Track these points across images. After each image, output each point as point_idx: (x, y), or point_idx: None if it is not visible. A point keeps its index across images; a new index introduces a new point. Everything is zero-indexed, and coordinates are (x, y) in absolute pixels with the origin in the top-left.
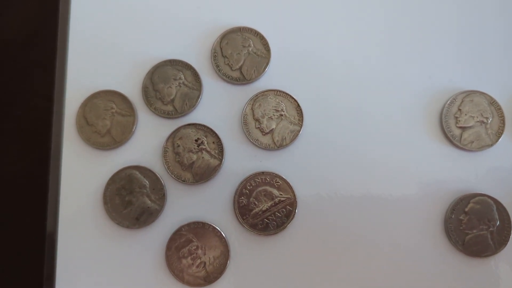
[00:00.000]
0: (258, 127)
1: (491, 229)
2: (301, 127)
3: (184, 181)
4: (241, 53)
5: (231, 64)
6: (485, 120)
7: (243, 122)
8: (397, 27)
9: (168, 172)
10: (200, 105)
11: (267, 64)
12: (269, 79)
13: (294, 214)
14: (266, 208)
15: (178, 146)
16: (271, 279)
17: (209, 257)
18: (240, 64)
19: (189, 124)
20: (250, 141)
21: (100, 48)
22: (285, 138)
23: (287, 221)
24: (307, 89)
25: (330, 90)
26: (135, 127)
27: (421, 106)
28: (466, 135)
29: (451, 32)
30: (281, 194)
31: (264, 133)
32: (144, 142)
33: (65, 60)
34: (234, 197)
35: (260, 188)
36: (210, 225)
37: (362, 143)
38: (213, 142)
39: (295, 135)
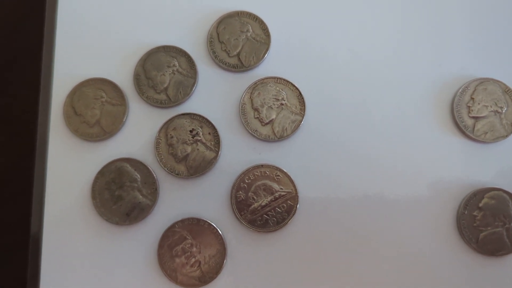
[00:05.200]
0: (257, 117)
1: (507, 225)
2: (303, 117)
3: (178, 174)
4: (239, 38)
5: (229, 50)
6: (499, 110)
7: (241, 112)
8: (405, 10)
9: (160, 165)
10: (195, 93)
11: (267, 50)
12: (269, 66)
13: (295, 210)
14: (266, 203)
15: (172, 137)
16: (271, 279)
17: (205, 256)
18: (238, 50)
19: (183, 114)
20: (249, 132)
21: (89, 33)
22: (286, 128)
23: (288, 217)
24: (309, 76)
25: (334, 78)
26: (126, 117)
27: (431, 94)
28: (479, 125)
29: (462, 16)
30: (282, 189)
31: (263, 124)
32: (136, 133)
33: (52, 47)
34: (231, 191)
35: (259, 182)
36: (206, 221)
37: (368, 134)
38: (209, 133)
39: (296, 126)
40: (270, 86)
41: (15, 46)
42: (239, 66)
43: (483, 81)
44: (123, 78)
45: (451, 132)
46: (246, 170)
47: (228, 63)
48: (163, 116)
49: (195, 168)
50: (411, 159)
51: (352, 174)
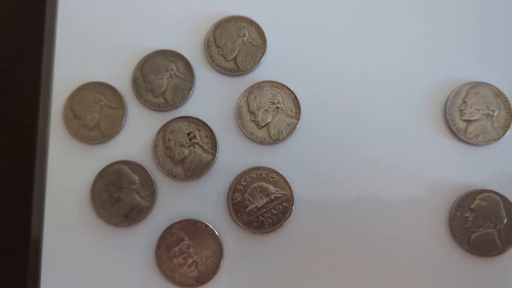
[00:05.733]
0: (253, 120)
1: (498, 227)
2: (298, 120)
3: (175, 176)
4: (235, 43)
5: (225, 55)
6: (491, 113)
7: (238, 115)
8: (399, 14)
9: (158, 167)
10: (193, 97)
11: (263, 54)
12: (265, 70)
13: (290, 212)
14: (262, 205)
15: (169, 140)
16: (267, 280)
17: (202, 257)
18: (234, 55)
19: (180, 117)
20: (245, 134)
21: (89, 38)
22: (282, 131)
23: (284, 219)
24: (304, 80)
25: (329, 82)
26: (125, 120)
27: (424, 97)
28: (471, 128)
29: (456, 20)
30: (277, 190)
31: (259, 127)
32: (134, 136)
33: (52, 51)
34: (228, 193)
35: (255, 184)
36: (203, 222)
37: (362, 137)
38: (206, 136)
39: (292, 129)
40: (266, 89)
41: (15, 49)
42: (235, 70)
43: (475, 85)
44: (122, 82)
45: (444, 135)
46: (243, 172)
47: (225, 67)
48: (161, 119)
49: (192, 170)
50: (404, 161)
51: (347, 176)
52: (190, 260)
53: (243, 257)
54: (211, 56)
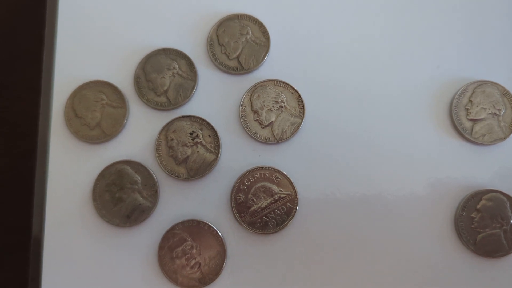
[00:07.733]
0: (257, 120)
1: (504, 227)
2: (302, 120)
3: (178, 176)
4: (238, 41)
5: (228, 53)
6: (497, 112)
7: (241, 114)
8: (404, 13)
9: (161, 167)
10: (195, 96)
11: (266, 52)
12: (269, 69)
13: (294, 212)
14: (265, 205)
15: (172, 139)
16: (270, 281)
17: (205, 258)
18: (237, 53)
19: (183, 116)
20: (248, 134)
21: (90, 36)
22: (286, 131)
23: (288, 219)
24: (308, 79)
25: (333, 81)
26: (127, 120)
27: (429, 97)
28: (477, 128)
29: (461, 18)
30: (281, 191)
31: (263, 126)
32: (136, 135)
33: (53, 49)
34: (231, 193)
35: (258, 184)
36: (206, 223)
37: (367, 137)
38: (209, 136)
39: (296, 128)
40: (269, 88)
41: (15, 48)
42: (238, 68)
43: (481, 84)
44: (124, 81)
45: (450, 134)
46: (246, 172)
47: (228, 65)
48: (163, 118)
49: (195, 170)
50: (410, 161)
51: (351, 176)
52: (193, 261)
53: (247, 258)
54: (214, 55)
